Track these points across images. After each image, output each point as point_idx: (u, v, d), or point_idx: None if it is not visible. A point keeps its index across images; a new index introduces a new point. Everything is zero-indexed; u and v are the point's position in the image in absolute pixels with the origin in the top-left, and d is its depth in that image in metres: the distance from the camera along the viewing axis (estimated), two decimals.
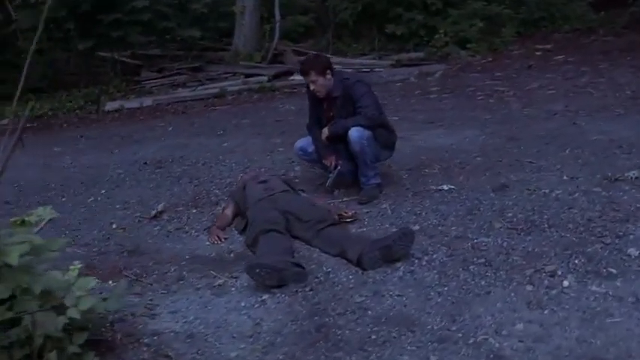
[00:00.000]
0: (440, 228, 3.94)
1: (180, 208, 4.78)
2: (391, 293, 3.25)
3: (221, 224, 4.32)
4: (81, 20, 9.87)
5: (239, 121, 7.70)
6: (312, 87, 4.48)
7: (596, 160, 4.82)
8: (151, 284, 3.61)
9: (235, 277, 3.59)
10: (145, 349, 2.92)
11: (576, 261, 3.34)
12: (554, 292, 3.10)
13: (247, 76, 10.31)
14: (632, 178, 4.32)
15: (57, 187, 5.71)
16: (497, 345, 2.73)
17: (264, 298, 3.32)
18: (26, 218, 2.60)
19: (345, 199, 4.63)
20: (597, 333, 2.74)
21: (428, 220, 4.08)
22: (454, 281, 3.30)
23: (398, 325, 2.96)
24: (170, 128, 7.81)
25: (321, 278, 3.48)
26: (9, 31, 9.70)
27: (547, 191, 4.30)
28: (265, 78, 9.98)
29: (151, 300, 3.41)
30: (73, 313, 2.52)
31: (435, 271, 3.42)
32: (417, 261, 3.55)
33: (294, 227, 3.98)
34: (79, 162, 6.57)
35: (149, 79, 10.92)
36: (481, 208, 4.15)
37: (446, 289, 3.24)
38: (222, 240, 4.14)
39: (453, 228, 3.92)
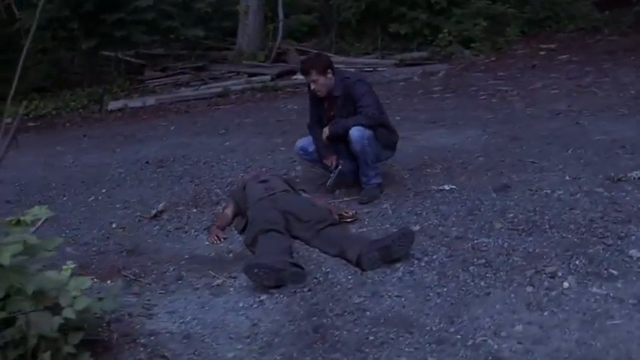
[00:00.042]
0: (440, 228, 3.92)
1: (181, 208, 4.77)
2: (390, 294, 3.23)
3: (221, 224, 4.31)
4: (85, 20, 9.89)
5: (241, 120, 7.69)
6: (312, 86, 4.46)
7: (598, 160, 4.79)
8: (149, 284, 3.60)
9: (234, 277, 3.58)
10: (141, 349, 2.91)
11: (577, 262, 3.31)
12: (554, 293, 3.07)
13: (251, 75, 10.29)
14: (634, 178, 4.29)
15: (58, 186, 5.71)
16: (495, 347, 2.71)
17: (262, 298, 3.30)
18: (22, 218, 2.59)
19: (345, 198, 4.61)
20: (597, 335, 2.72)
21: (428, 220, 4.06)
22: (453, 282, 3.28)
23: (396, 326, 2.94)
24: (173, 127, 7.80)
25: (320, 279, 3.46)
26: (13, 30, 9.71)
27: (549, 191, 4.27)
28: (268, 77, 9.98)
29: (148, 300, 3.40)
30: (69, 313, 2.51)
31: (434, 272, 3.40)
32: (416, 261, 3.53)
33: (294, 227, 3.96)
34: (81, 161, 6.57)
35: (153, 79, 10.92)
36: (482, 209, 4.13)
37: (445, 290, 3.22)
38: (222, 240, 4.13)
39: (454, 228, 3.89)
